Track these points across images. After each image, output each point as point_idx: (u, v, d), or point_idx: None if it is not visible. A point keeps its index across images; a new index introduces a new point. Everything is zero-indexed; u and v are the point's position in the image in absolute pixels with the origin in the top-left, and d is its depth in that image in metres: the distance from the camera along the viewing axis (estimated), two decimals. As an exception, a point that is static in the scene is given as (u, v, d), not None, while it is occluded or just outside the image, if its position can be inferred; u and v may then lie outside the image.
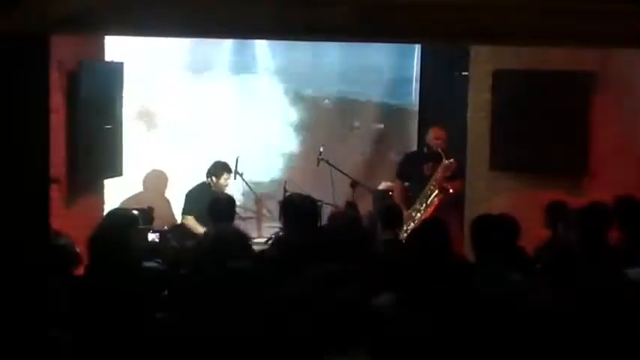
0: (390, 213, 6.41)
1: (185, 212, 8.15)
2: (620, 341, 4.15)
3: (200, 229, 7.67)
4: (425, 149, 8.33)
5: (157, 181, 9.15)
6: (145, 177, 9.14)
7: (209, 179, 8.18)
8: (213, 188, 8.09)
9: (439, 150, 8.11)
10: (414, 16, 4.29)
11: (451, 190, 8.04)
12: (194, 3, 4.21)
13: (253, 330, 4.17)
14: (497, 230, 5.18)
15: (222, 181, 8.18)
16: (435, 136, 8.19)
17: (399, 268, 4.75)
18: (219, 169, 8.22)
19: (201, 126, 9.43)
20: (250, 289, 4.32)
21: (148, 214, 7.23)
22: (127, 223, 5.45)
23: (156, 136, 9.40)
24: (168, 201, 9.02)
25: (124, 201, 8.58)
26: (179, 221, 8.32)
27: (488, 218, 5.29)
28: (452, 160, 8.03)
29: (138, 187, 9.07)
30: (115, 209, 6.57)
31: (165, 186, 9.16)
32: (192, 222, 8.00)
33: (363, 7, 4.23)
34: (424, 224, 6.13)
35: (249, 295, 4.32)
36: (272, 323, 4.27)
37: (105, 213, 6.98)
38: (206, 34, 6.98)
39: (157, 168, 9.20)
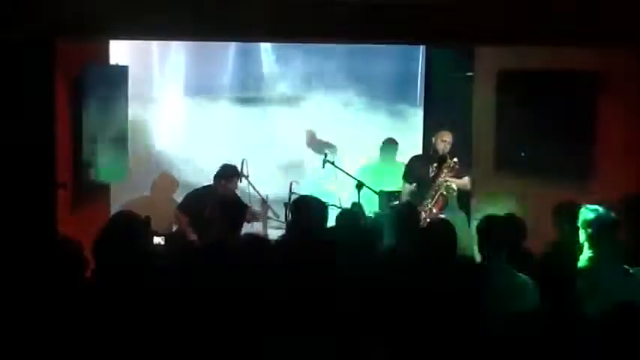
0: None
1: (179, 207, 8.18)
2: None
3: (183, 223, 7.86)
4: (431, 151, 8.34)
5: (165, 184, 9.16)
6: (154, 180, 9.14)
7: (217, 182, 8.17)
8: (220, 191, 8.09)
9: (445, 153, 8.14)
10: (416, 18, 4.30)
11: (455, 188, 8.07)
12: (195, 7, 4.23)
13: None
14: (503, 230, 5.18)
15: (230, 185, 8.17)
16: (442, 139, 8.21)
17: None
18: (230, 173, 8.20)
19: (206, 128, 9.45)
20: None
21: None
22: (132, 226, 5.45)
23: (161, 139, 9.41)
24: (175, 204, 9.01)
25: (129, 203, 8.56)
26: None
27: (494, 218, 5.29)
28: (455, 160, 8.05)
29: (143, 191, 9.08)
30: (120, 212, 6.56)
31: (173, 189, 9.16)
32: (179, 215, 8.04)
33: (365, 8, 4.24)
34: (432, 224, 6.14)
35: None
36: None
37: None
38: (208, 37, 7.00)
39: (165, 171, 9.21)
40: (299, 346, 4.25)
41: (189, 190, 8.44)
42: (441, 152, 8.18)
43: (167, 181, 9.21)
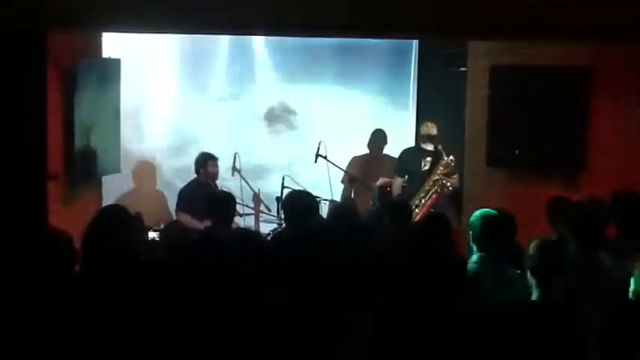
0: (400, 209, 6.45)
1: (179, 210, 8.16)
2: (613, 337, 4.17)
3: (196, 224, 7.72)
4: (421, 145, 8.35)
5: (145, 174, 9.09)
6: (133, 171, 9.06)
7: (198, 173, 8.20)
8: (206, 182, 8.11)
9: (435, 145, 8.15)
10: (411, 12, 4.30)
11: (450, 187, 8.07)
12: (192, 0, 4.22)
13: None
14: (494, 226, 5.19)
15: (209, 169, 8.19)
16: (426, 129, 8.25)
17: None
18: (203, 158, 8.24)
19: (198, 122, 9.44)
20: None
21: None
22: (121, 220, 5.44)
23: (154, 132, 9.40)
24: (162, 195, 8.98)
25: (119, 199, 8.53)
26: (175, 217, 8.30)
27: (486, 214, 5.30)
28: (452, 157, 8.05)
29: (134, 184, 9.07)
30: (109, 205, 6.54)
31: (154, 178, 9.12)
32: (186, 218, 7.99)
33: (361, 3, 4.24)
34: (428, 219, 6.16)
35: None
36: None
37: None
38: (204, 31, 6.98)
39: (142, 160, 9.15)
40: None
41: (176, 185, 8.46)
42: (426, 142, 8.18)
43: (145, 169, 9.14)
